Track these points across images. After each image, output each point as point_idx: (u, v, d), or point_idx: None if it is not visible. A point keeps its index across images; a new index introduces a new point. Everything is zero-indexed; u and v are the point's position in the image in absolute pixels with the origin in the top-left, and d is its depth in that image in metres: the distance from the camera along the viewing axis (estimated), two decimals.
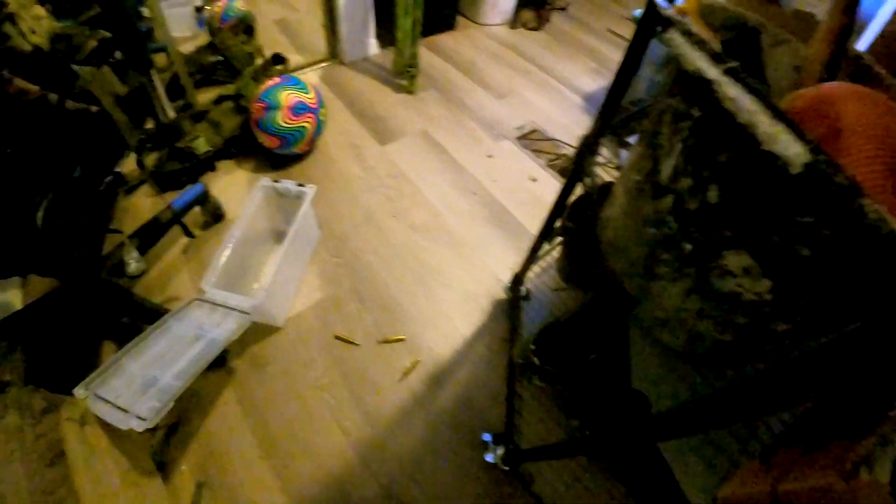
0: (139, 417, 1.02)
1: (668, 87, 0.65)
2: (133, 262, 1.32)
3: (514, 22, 2.79)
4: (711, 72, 0.51)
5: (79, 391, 1.05)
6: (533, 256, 1.34)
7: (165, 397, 1.07)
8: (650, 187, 0.67)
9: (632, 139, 1.17)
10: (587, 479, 1.16)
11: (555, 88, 2.31)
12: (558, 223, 1.21)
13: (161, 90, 1.39)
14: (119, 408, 1.04)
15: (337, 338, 1.40)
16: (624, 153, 1.12)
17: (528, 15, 2.78)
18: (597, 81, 2.38)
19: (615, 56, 2.57)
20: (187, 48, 2.21)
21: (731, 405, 0.51)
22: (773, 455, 0.59)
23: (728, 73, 0.50)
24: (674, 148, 0.61)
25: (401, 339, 1.40)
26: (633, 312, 0.85)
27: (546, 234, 1.25)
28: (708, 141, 0.56)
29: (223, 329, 1.25)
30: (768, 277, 0.54)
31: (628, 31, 2.73)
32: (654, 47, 0.71)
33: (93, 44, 1.18)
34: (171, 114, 1.47)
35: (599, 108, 0.88)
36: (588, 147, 0.98)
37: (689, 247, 0.61)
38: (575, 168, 1.04)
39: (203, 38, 2.27)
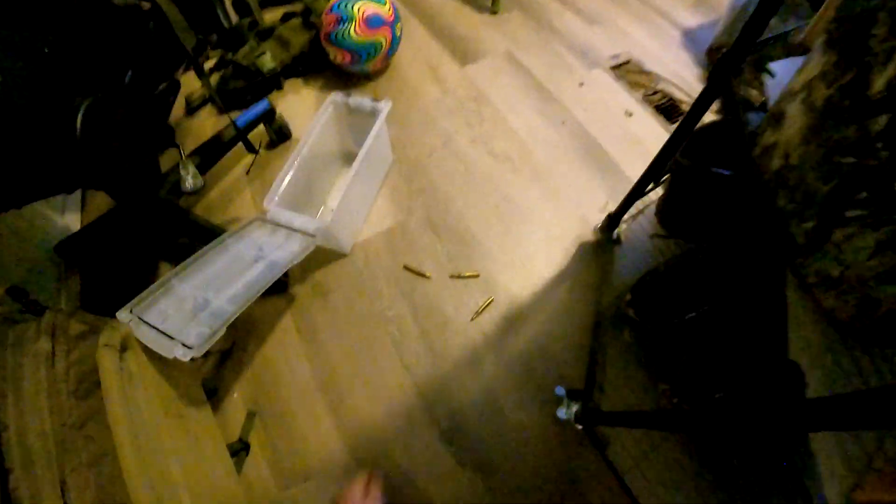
0: (185, 345, 0.91)
1: None
2: (189, 178, 1.22)
3: None
4: None
5: (122, 314, 0.94)
6: (634, 198, 1.17)
7: (217, 323, 0.96)
8: (851, 103, 0.50)
9: (775, 63, 0.97)
10: (667, 449, 1.01)
11: (651, 20, 2.05)
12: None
13: None
14: (164, 333, 0.94)
15: (406, 269, 1.28)
16: (771, 80, 0.93)
17: None
18: (696, 17, 2.11)
19: None
20: None
21: None
22: None
23: None
24: (894, 53, 0.44)
25: (475, 276, 1.27)
26: (796, 265, 0.69)
27: (655, 172, 1.07)
28: None
29: (285, 251, 1.15)
30: None
31: None
32: None
33: None
34: (235, 18, 1.35)
35: (745, 20, 0.70)
36: (730, 64, 0.80)
37: None
38: (706, 92, 0.86)
39: None
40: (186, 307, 1.03)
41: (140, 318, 0.95)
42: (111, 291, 1.32)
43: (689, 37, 1.98)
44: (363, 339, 1.19)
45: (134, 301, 0.97)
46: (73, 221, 1.45)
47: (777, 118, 0.70)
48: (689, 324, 1.06)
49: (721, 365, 0.99)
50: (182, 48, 1.16)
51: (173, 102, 1.26)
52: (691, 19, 2.09)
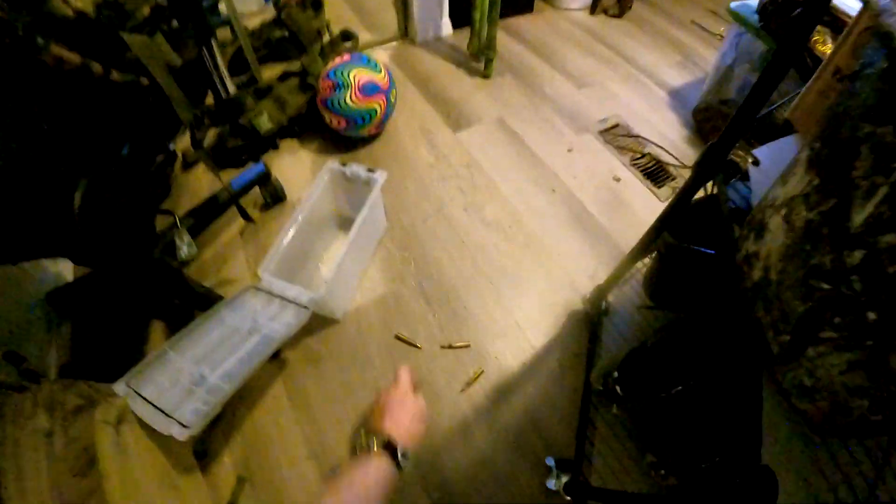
0: (181, 423, 0.92)
1: (866, 110, 0.49)
2: (185, 248, 1.24)
3: (595, 7, 2.61)
4: None
5: (118, 387, 0.95)
6: (623, 271, 1.19)
7: (212, 401, 0.98)
8: (830, 232, 0.52)
9: (759, 150, 1.00)
10: None
11: (638, 81, 2.12)
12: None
13: (222, 64, 1.30)
14: (161, 410, 0.95)
15: (398, 338, 1.29)
16: (755, 169, 0.96)
17: (609, 0, 2.59)
18: (683, 76, 2.18)
19: (701, 50, 2.36)
20: (253, 22, 2.15)
21: None
22: None
23: None
24: (875, 191, 0.46)
25: (466, 346, 1.28)
26: (770, 372, 0.70)
27: (644, 249, 1.10)
28: None
29: (279, 323, 1.16)
30: None
31: (713, 23, 2.53)
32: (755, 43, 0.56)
33: (146, 11, 1.08)
34: (232, 89, 1.37)
35: (729, 122, 0.73)
36: (712, 164, 0.83)
37: (873, 316, 0.48)
38: (692, 184, 0.89)
39: (269, 13, 2.19)
40: (182, 382, 1.04)
41: (136, 392, 0.96)
42: (102, 347, 1.32)
43: (676, 97, 2.05)
44: (353, 408, 1.19)
45: (130, 373, 0.98)
46: (65, 269, 1.44)
47: (759, 229, 0.71)
48: (674, 398, 1.08)
49: (705, 438, 1.01)
50: (179, 120, 1.18)
51: (170, 174, 1.28)
52: (677, 78, 2.16)
